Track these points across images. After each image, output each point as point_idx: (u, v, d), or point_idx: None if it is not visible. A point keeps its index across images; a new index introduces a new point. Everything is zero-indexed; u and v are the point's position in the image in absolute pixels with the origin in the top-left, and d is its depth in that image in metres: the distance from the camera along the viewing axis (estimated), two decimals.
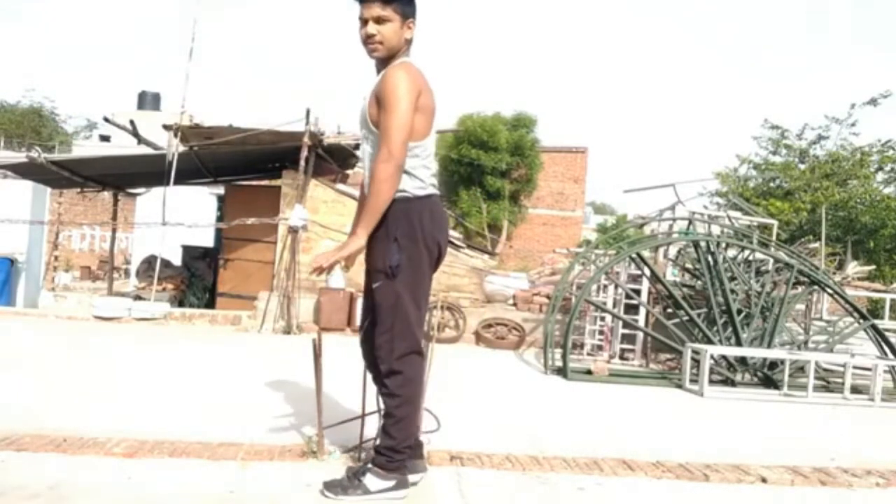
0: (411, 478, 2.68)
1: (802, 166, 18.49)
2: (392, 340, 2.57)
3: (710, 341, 6.31)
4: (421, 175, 2.60)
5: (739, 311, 6.58)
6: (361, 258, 2.65)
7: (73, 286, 15.54)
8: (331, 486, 2.57)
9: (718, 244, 6.97)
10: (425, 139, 2.60)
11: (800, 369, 6.46)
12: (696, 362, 5.88)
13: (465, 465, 3.03)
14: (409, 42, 2.61)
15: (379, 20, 2.53)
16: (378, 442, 2.66)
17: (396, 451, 2.60)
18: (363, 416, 3.06)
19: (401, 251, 2.53)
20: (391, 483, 2.58)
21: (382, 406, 2.69)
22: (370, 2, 2.53)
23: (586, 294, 6.73)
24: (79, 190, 12.85)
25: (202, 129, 8.66)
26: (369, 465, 2.62)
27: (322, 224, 8.59)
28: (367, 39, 2.57)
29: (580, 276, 8.15)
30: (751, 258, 7.72)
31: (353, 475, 2.61)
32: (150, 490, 2.54)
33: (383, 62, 2.61)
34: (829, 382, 6.37)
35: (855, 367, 6.12)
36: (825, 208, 14.55)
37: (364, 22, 2.56)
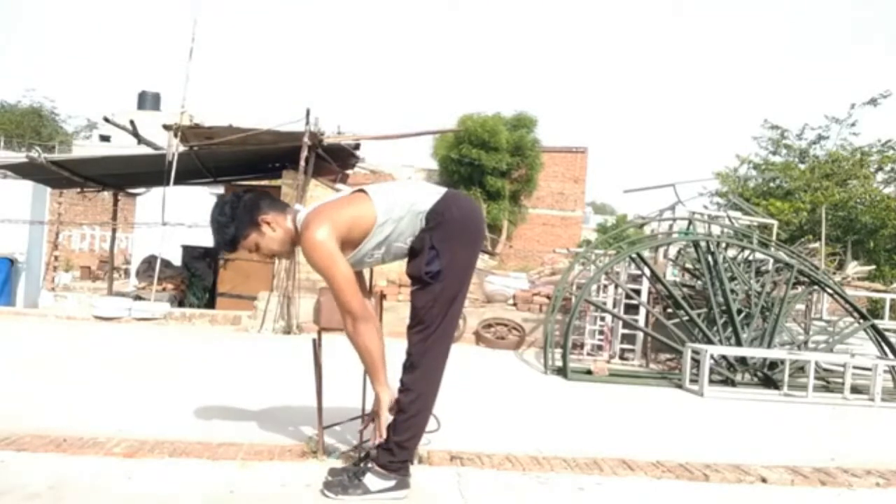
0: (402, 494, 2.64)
1: (802, 166, 18.47)
2: (425, 339, 2.59)
3: (710, 341, 6.31)
4: (416, 197, 2.60)
5: (739, 311, 6.58)
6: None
7: (73, 286, 15.54)
8: (331, 486, 2.58)
9: (718, 244, 6.97)
10: (375, 212, 2.57)
11: (800, 369, 6.46)
12: (696, 362, 5.88)
13: (465, 465, 3.03)
14: (281, 226, 2.64)
15: (251, 249, 2.67)
16: (384, 437, 2.65)
17: (401, 447, 2.60)
18: (363, 416, 3.06)
19: (440, 257, 2.55)
20: (391, 483, 2.58)
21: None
22: (234, 249, 2.70)
23: (586, 294, 6.73)
24: (79, 190, 12.84)
25: (202, 129, 8.67)
26: (370, 465, 2.62)
27: None
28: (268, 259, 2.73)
29: (580, 276, 8.16)
30: (751, 258, 7.73)
31: (353, 475, 2.61)
32: (150, 490, 2.54)
33: (296, 245, 2.71)
34: (829, 382, 6.37)
35: (855, 367, 6.12)
36: (825, 208, 14.54)
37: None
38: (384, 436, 2.61)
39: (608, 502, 2.76)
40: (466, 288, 2.72)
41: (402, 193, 2.65)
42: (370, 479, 2.57)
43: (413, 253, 2.64)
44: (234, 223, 2.62)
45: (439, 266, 2.55)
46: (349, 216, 2.58)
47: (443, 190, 2.68)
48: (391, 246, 2.65)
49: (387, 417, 2.62)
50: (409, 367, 2.62)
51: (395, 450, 2.60)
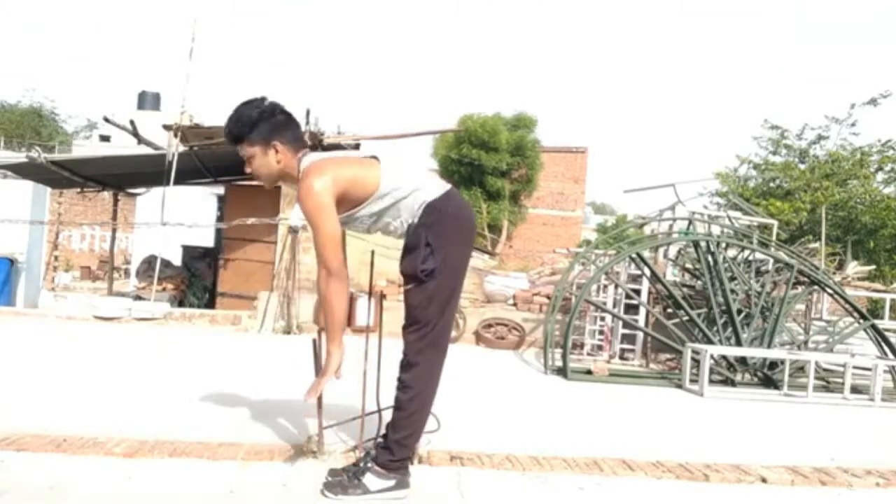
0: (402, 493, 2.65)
1: (802, 166, 18.47)
2: (422, 338, 2.60)
3: (710, 341, 6.31)
4: (420, 184, 2.60)
5: (739, 311, 6.58)
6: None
7: (73, 286, 15.55)
8: (331, 486, 2.58)
9: (718, 244, 6.97)
10: (381, 180, 2.57)
11: (800, 369, 6.46)
12: (696, 362, 5.88)
13: (465, 465, 3.03)
14: (283, 160, 2.62)
15: (246, 158, 2.63)
16: (383, 436, 2.66)
17: (401, 445, 2.60)
18: (363, 415, 3.06)
19: (435, 255, 2.55)
20: (391, 483, 2.58)
21: (392, 402, 2.70)
22: (233, 144, 2.64)
23: (586, 294, 6.73)
24: (79, 190, 12.84)
25: (202, 129, 8.66)
26: (369, 465, 2.62)
27: None
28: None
29: (580, 276, 8.15)
30: (751, 258, 7.72)
31: (352, 475, 2.61)
32: (150, 490, 2.54)
33: (286, 182, 2.70)
34: (829, 382, 6.37)
35: (855, 367, 6.13)
36: (825, 208, 14.56)
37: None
38: (315, 395, 2.56)
39: (608, 502, 2.76)
40: (460, 287, 2.72)
41: (411, 174, 2.65)
42: (370, 479, 2.57)
43: (407, 249, 2.63)
44: (252, 127, 2.59)
45: (434, 264, 2.55)
46: (351, 175, 2.56)
47: (447, 186, 2.69)
48: (383, 220, 2.64)
49: (329, 377, 2.54)
50: (406, 365, 2.62)
51: (395, 448, 2.60)
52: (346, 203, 2.57)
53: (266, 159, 2.62)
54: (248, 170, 2.65)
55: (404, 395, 2.61)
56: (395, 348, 2.80)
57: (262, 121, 2.59)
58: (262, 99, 2.66)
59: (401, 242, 2.69)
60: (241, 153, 2.64)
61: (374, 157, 2.67)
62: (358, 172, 2.58)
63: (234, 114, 2.62)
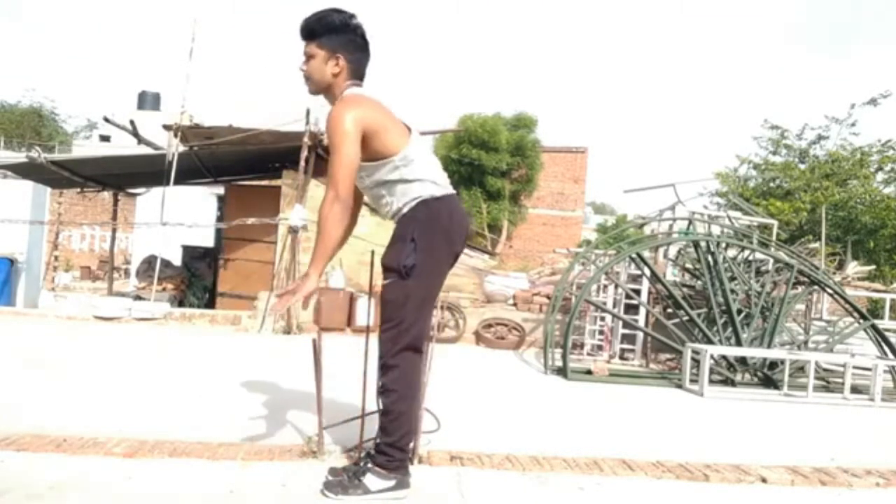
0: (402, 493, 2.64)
1: (802, 166, 18.47)
2: (396, 337, 2.57)
3: (710, 341, 6.31)
4: (428, 177, 2.60)
5: (739, 311, 6.58)
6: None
7: (73, 286, 15.55)
8: (331, 487, 2.57)
9: (718, 244, 6.97)
10: (403, 149, 2.58)
11: (800, 369, 6.46)
12: (696, 362, 5.88)
13: (465, 465, 3.02)
14: (339, 76, 2.62)
15: (307, 56, 2.63)
16: (377, 440, 2.66)
17: (396, 447, 2.60)
18: (363, 415, 3.05)
19: (417, 252, 2.55)
20: (391, 483, 2.58)
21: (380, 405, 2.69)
22: (302, 39, 2.64)
23: (586, 294, 6.73)
24: (79, 190, 12.84)
25: (202, 129, 8.66)
26: (369, 465, 2.62)
27: None
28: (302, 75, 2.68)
29: (580, 276, 8.15)
30: (751, 258, 7.72)
31: (352, 475, 2.61)
32: (150, 490, 2.54)
33: (324, 96, 2.69)
34: (829, 382, 6.37)
35: (855, 367, 6.12)
36: (825, 208, 14.55)
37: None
38: (281, 309, 2.50)
39: (608, 502, 2.76)
40: (438, 290, 2.71)
41: (429, 164, 2.66)
42: (370, 479, 2.57)
43: (393, 241, 2.63)
44: (329, 32, 2.59)
45: (415, 260, 2.54)
46: (383, 125, 2.55)
47: (449, 189, 2.68)
48: (380, 190, 2.64)
49: (298, 300, 2.46)
50: (384, 368, 2.59)
51: (390, 451, 2.60)
52: (364, 148, 2.55)
53: (324, 66, 2.61)
54: (301, 67, 2.63)
55: (388, 399, 2.59)
56: None
57: (341, 31, 2.60)
58: (353, 15, 2.66)
59: None
60: (305, 49, 2.62)
61: (408, 127, 2.67)
62: (390, 128, 2.57)
63: (320, 11, 2.62)
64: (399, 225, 2.62)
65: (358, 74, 2.67)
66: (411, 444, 2.75)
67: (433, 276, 2.63)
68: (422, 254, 2.55)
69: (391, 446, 2.59)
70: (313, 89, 2.69)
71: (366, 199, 2.84)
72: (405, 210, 2.60)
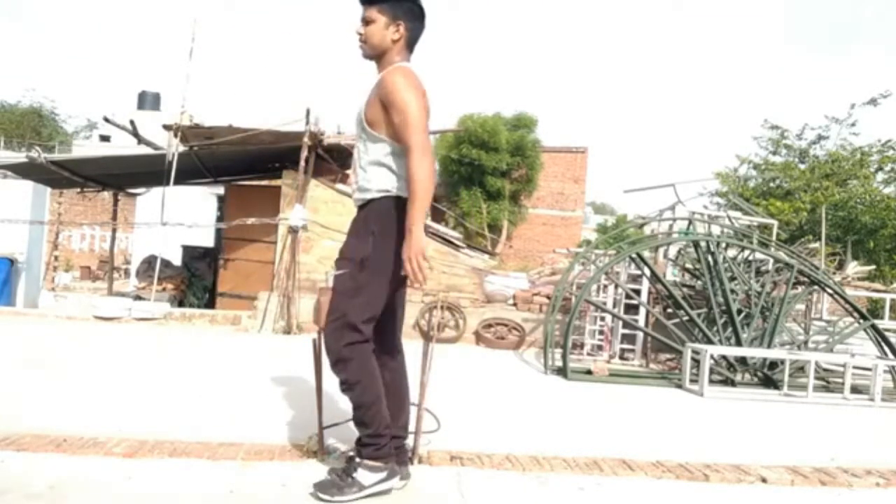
0: (395, 483, 2.64)
1: (802, 166, 18.46)
2: (342, 328, 2.55)
3: (710, 341, 6.31)
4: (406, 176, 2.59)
5: (739, 311, 6.58)
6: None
7: (73, 286, 15.57)
8: (325, 488, 2.55)
9: (718, 244, 6.97)
10: (407, 139, 2.57)
11: (800, 369, 6.46)
12: (696, 362, 5.88)
13: (465, 465, 3.03)
14: (397, 43, 2.64)
15: (366, 20, 2.64)
16: (359, 436, 2.65)
17: (378, 435, 2.59)
18: None
19: (376, 247, 2.55)
20: (383, 474, 2.58)
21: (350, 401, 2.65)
22: (362, 3, 2.65)
23: (586, 294, 6.72)
24: (79, 190, 12.84)
25: (202, 129, 8.65)
26: (358, 460, 2.61)
27: (322, 224, 8.59)
28: (358, 38, 2.68)
29: (580, 276, 8.15)
30: (751, 258, 7.72)
31: (343, 473, 2.59)
32: (150, 490, 2.54)
33: (376, 62, 2.69)
34: (829, 382, 6.37)
35: (855, 367, 6.12)
36: (825, 208, 14.54)
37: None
38: (425, 279, 2.46)
39: (608, 502, 2.76)
40: (389, 290, 2.61)
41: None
42: (362, 475, 2.56)
43: (352, 230, 2.65)
44: None
45: (370, 253, 2.54)
46: (421, 107, 2.55)
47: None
48: (367, 170, 2.63)
49: (422, 259, 2.43)
50: (338, 363, 2.56)
51: (374, 440, 2.59)
52: (385, 126, 2.57)
53: (384, 31, 2.62)
54: (359, 30, 2.65)
55: (353, 393, 2.58)
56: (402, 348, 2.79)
57: (405, 0, 2.63)
58: None
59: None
60: (365, 13, 2.64)
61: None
62: (422, 107, 2.58)
63: None
64: (362, 214, 2.63)
65: (413, 44, 2.70)
66: (389, 429, 2.66)
67: (388, 273, 2.58)
68: (380, 250, 2.55)
69: (374, 435, 2.59)
70: (369, 53, 2.69)
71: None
72: (375, 196, 2.59)
